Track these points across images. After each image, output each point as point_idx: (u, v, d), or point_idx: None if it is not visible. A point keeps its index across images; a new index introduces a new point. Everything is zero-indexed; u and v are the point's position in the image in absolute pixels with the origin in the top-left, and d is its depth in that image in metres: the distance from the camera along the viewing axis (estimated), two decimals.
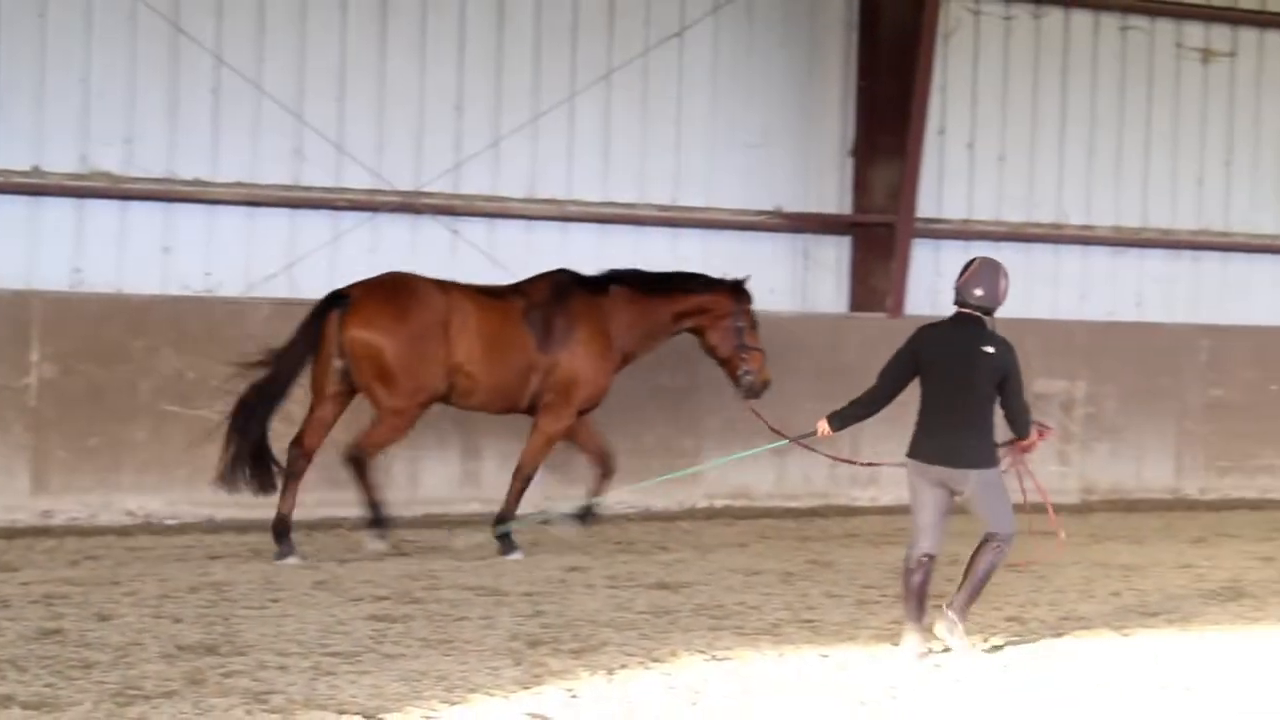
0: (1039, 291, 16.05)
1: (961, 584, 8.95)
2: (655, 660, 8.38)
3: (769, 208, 15.13)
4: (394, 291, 11.69)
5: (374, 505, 11.58)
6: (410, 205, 14.00)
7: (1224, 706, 8.05)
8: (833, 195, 15.36)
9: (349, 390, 11.52)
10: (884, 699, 7.91)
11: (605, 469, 12.23)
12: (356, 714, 7.07)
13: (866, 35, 15.14)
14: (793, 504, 14.31)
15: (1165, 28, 16.58)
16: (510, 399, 12.00)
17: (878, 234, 15.14)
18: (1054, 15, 16.09)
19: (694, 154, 14.90)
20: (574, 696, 7.58)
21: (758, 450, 11.32)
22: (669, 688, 7.85)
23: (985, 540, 8.87)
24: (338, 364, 11.38)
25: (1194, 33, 16.69)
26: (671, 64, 14.73)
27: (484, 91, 14.18)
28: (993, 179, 16.03)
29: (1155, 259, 16.72)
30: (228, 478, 11.29)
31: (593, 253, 14.41)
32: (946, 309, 15.40)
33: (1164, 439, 15.99)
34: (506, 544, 11.71)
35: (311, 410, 11.58)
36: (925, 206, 15.35)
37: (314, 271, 13.54)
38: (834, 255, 15.43)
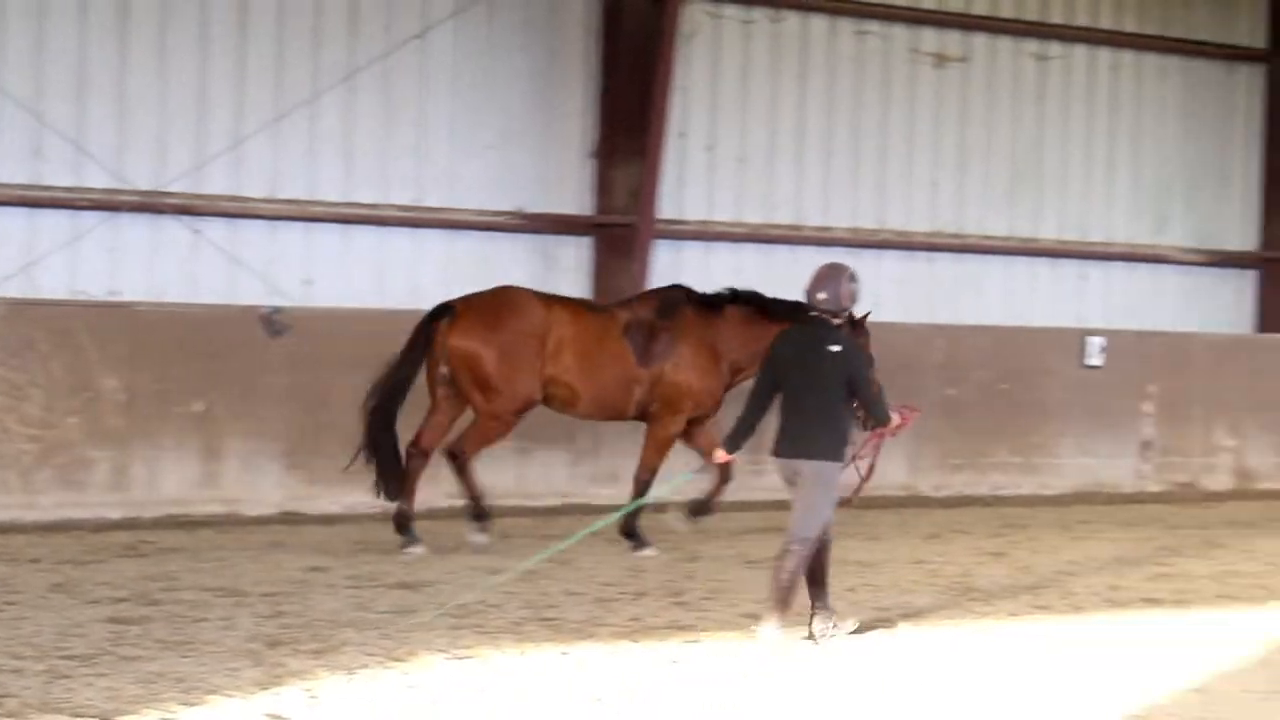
0: (778, 292, 16.50)
1: (811, 592, 9.54)
2: (396, 660, 8.55)
3: (511, 209, 15.41)
4: (494, 304, 12.64)
5: (474, 499, 12.50)
6: (151, 205, 14.05)
7: (929, 702, 8.39)
8: (574, 196, 15.69)
9: (458, 395, 12.50)
10: (621, 696, 8.13)
11: (722, 474, 12.76)
12: (93, 717, 7.15)
13: (607, 38, 15.48)
14: (533, 503, 14.52)
15: (900, 33, 17.20)
16: (613, 408, 12.89)
17: (619, 235, 15.51)
18: (792, 20, 16.60)
19: (437, 155, 15.15)
20: (313, 697, 7.72)
21: (674, 483, 11.61)
22: (409, 687, 8.02)
23: (780, 555, 9.40)
24: (443, 370, 12.38)
25: (928, 38, 17.36)
26: (414, 66, 14.96)
27: (226, 92, 14.32)
28: (732, 181, 16.47)
29: (891, 260, 17.30)
30: (383, 488, 12.29)
31: (335, 253, 14.65)
32: None
33: (903, 437, 16.38)
34: (637, 542, 12.61)
35: (428, 413, 12.56)
36: (666, 208, 15.75)
37: (53, 271, 13.62)
38: (575, 256, 15.76)
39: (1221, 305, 18.83)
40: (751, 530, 13.82)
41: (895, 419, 9.91)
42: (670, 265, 15.90)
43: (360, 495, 12.86)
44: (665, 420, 12.84)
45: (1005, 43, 17.73)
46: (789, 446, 9.41)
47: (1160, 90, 18.63)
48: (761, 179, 16.63)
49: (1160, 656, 9.52)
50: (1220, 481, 17.61)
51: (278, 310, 13.68)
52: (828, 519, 9.43)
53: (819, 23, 16.75)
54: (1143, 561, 12.89)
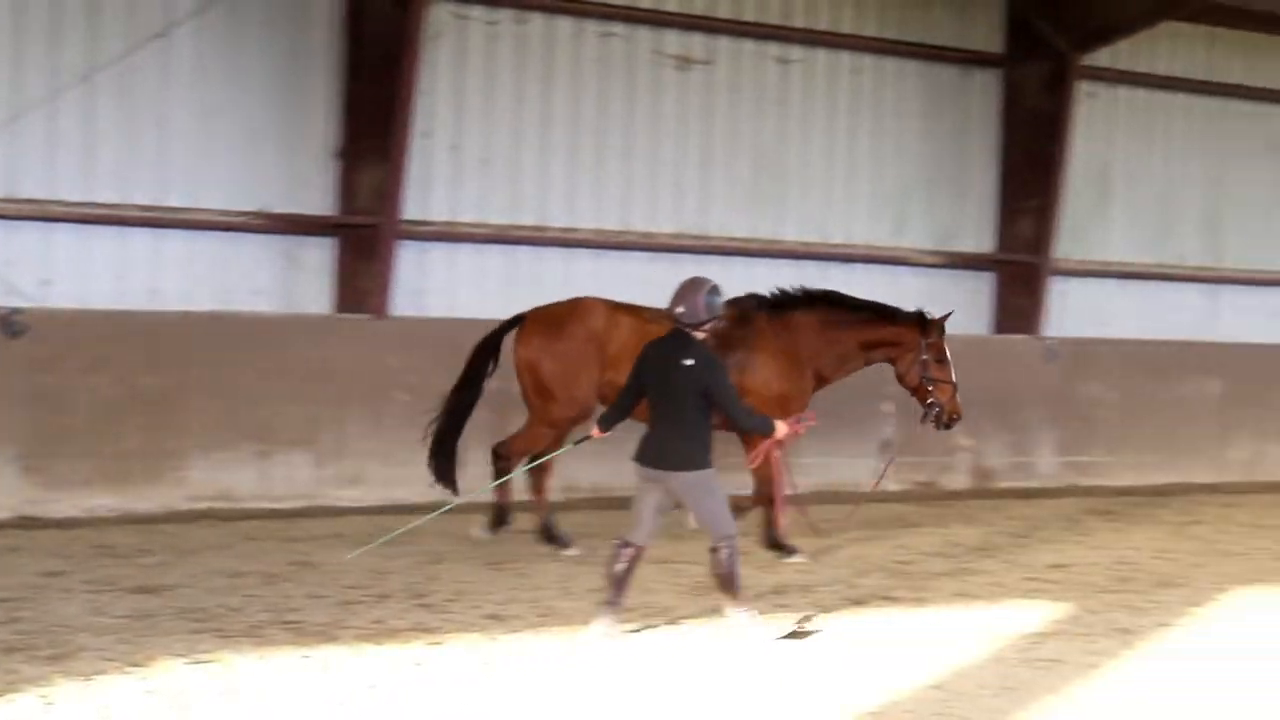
0: (521, 293, 16.73)
1: (725, 586, 10.12)
2: (134, 665, 8.73)
3: (254, 209, 15.54)
4: (559, 313, 13.52)
5: (501, 506, 13.53)
6: None
7: (675, 700, 8.80)
8: (318, 197, 15.84)
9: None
10: (364, 698, 8.41)
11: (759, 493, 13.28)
12: None
13: (351, 38, 15.65)
14: (277, 505, 14.71)
15: (645, 35, 17.53)
16: None
17: (363, 235, 15.71)
18: (537, 21, 16.88)
19: (179, 155, 15.24)
20: (49, 704, 7.89)
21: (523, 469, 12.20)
22: (148, 692, 8.21)
23: (711, 551, 10.05)
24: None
25: (672, 40, 17.72)
26: (155, 65, 15.03)
27: None
28: (477, 182, 16.70)
29: (636, 261, 17.63)
30: (442, 478, 13.21)
31: (74, 254, 14.71)
32: (431, 310, 16.42)
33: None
34: (785, 550, 13.19)
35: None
36: (410, 209, 16.00)
37: None
38: (319, 257, 15.91)
39: (958, 306, 19.26)
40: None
41: (782, 428, 10.51)
42: (415, 266, 16.23)
43: (101, 499, 12.97)
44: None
45: (748, 45, 18.17)
46: (653, 457, 10.01)
47: (900, 94, 19.23)
48: (506, 180, 16.91)
49: (899, 654, 10.00)
50: (958, 481, 18.38)
51: (17, 311, 13.74)
52: (727, 513, 10.10)
53: (564, 24, 17.05)
54: (882, 560, 13.44)
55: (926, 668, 9.69)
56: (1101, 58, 19.86)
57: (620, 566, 10.12)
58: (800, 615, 10.92)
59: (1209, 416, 19.86)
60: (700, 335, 10.17)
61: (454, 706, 8.42)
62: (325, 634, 9.83)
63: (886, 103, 19.20)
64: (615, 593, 10.13)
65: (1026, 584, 12.69)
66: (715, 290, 10.24)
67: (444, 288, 16.58)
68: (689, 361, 9.99)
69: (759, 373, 13.27)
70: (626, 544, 10.15)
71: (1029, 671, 9.75)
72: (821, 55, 18.69)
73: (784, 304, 13.57)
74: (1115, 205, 20.75)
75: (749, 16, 18.17)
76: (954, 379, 13.49)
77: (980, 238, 19.76)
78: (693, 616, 10.90)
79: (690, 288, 10.19)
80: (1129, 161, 20.82)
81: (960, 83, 19.55)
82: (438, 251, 16.50)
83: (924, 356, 13.41)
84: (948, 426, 13.64)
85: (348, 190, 15.78)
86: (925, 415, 13.55)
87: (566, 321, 13.44)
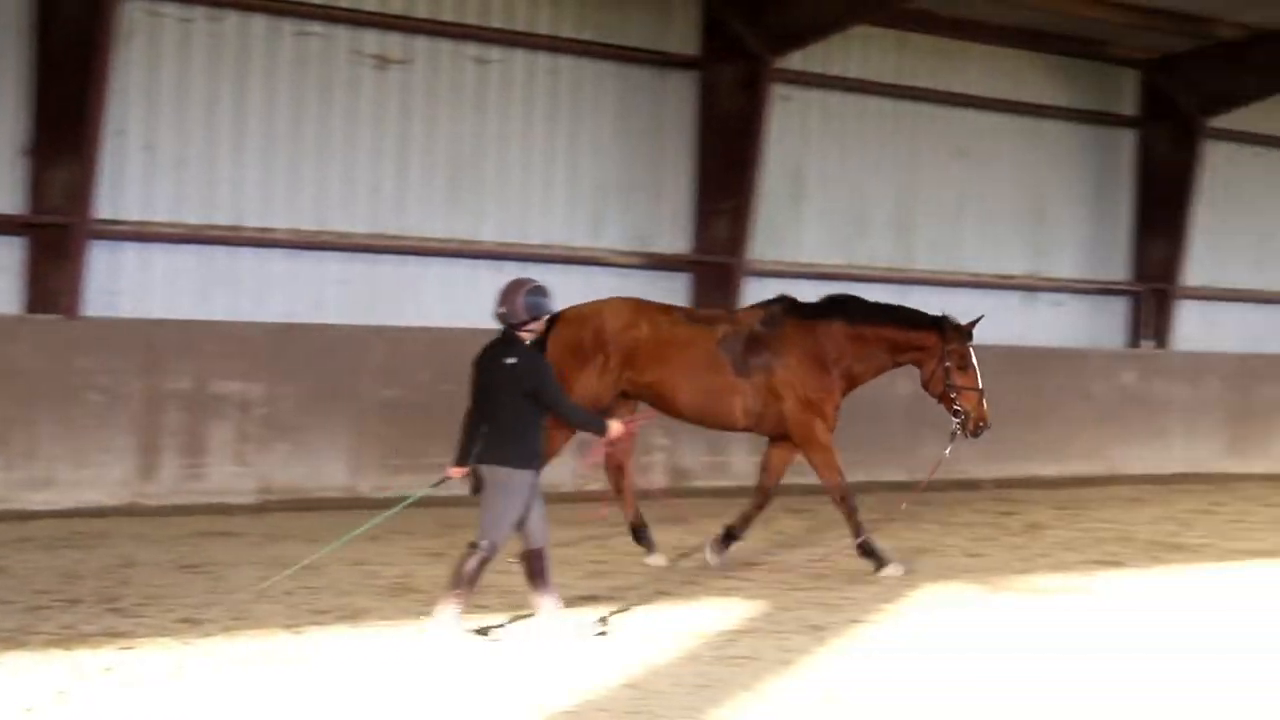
0: (217, 293, 17.12)
1: (454, 583, 10.45)
2: None
3: None
4: (576, 315, 13.98)
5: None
6: None
7: (369, 702, 9.04)
8: (6, 196, 15.88)
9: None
10: (52, 703, 8.51)
11: (759, 503, 13.87)
12: None
13: (41, 34, 15.70)
14: None
15: (342, 34, 17.84)
16: (717, 417, 13.95)
17: (53, 235, 15.77)
18: (232, 19, 17.10)
19: None
20: None
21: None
22: None
23: (469, 546, 10.50)
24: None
25: (370, 40, 18.05)
26: None
27: None
28: (171, 181, 16.85)
29: (333, 262, 17.95)
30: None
31: None
32: (124, 311, 16.54)
33: (341, 439, 17.04)
34: (877, 561, 13.64)
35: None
36: (102, 208, 16.12)
37: None
38: (7, 257, 15.96)
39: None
40: (191, 534, 14.42)
41: (616, 428, 11.00)
42: (107, 266, 16.38)
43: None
44: (806, 436, 13.77)
45: (446, 45, 18.56)
46: (482, 453, 10.52)
47: (597, 95, 19.77)
48: (201, 180, 17.09)
49: (595, 653, 10.34)
50: (654, 480, 18.69)
51: None
52: (510, 526, 10.49)
53: (260, 23, 17.29)
54: (581, 560, 13.83)
55: (622, 666, 10.02)
56: (796, 61, 20.67)
57: (467, 565, 10.50)
58: (510, 615, 11.33)
59: (899, 416, 20.51)
60: (525, 335, 10.65)
61: (145, 711, 8.54)
62: (13, 640, 9.89)
63: (584, 104, 19.74)
64: (459, 590, 10.49)
65: (722, 582, 13.17)
66: (537, 290, 10.66)
67: (137, 288, 16.70)
68: (510, 361, 10.50)
69: (787, 377, 13.70)
70: (471, 544, 10.59)
71: (723, 669, 10.12)
72: (519, 56, 19.18)
73: (810, 309, 13.98)
74: (809, 207, 21.66)
75: (447, 16, 18.54)
76: (980, 385, 13.72)
77: (676, 239, 20.40)
78: (392, 618, 11.17)
79: (511, 288, 10.65)
80: (822, 163, 21.74)
81: (656, 84, 20.18)
82: (130, 252, 16.62)
83: (946, 363, 13.64)
84: (975, 434, 13.83)
85: (38, 189, 15.83)
86: (954, 424, 13.79)
87: (580, 322, 14.00)
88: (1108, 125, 24.45)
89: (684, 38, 20.29)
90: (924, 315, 13.97)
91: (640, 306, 14.25)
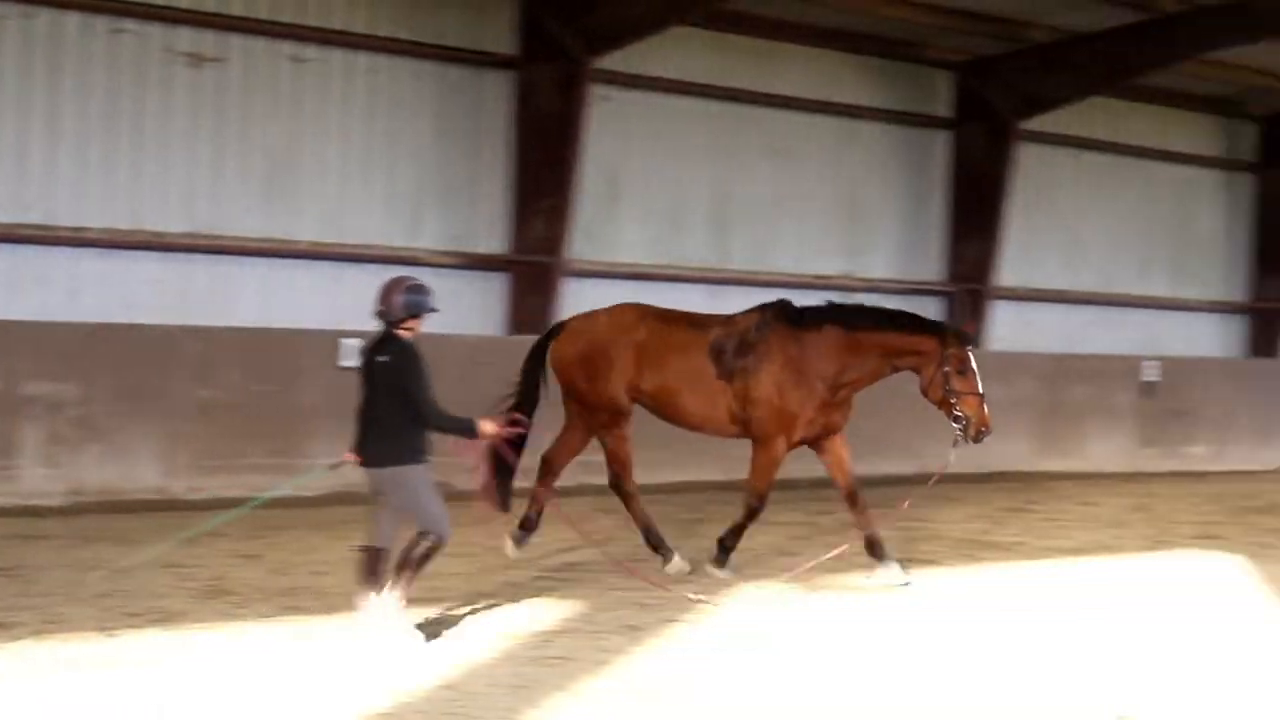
0: (28, 293, 17.14)
1: (398, 569, 10.76)
2: None
3: None
4: (587, 320, 14.38)
5: (534, 509, 14.29)
6: None
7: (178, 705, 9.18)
8: None
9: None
10: None
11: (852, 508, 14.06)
12: None
13: None
14: None
15: (156, 32, 17.92)
16: (706, 422, 14.10)
17: None
18: (45, 17, 17.15)
19: None
20: None
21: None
22: None
23: (419, 534, 10.78)
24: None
25: (185, 38, 18.15)
26: None
27: None
28: None
29: (148, 261, 18.00)
30: (496, 497, 13.22)
31: None
32: None
33: (153, 440, 17.13)
34: (722, 562, 13.91)
35: (561, 430, 14.52)
36: None
37: None
38: None
39: (474, 307, 20.18)
40: (0, 537, 14.52)
41: (487, 429, 11.16)
42: None
43: None
44: (760, 441, 13.90)
45: (262, 44, 18.70)
46: (366, 454, 10.82)
47: (415, 95, 19.99)
48: (12, 178, 17.14)
49: (411, 655, 10.57)
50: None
51: None
52: (440, 512, 10.79)
53: (73, 20, 17.35)
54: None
55: (439, 667, 10.25)
56: (614, 61, 21.00)
57: (419, 554, 10.86)
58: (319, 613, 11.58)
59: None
60: (404, 333, 10.91)
61: None
62: None
63: (401, 103, 19.95)
64: (367, 585, 10.87)
65: (539, 582, 13.45)
66: (415, 288, 10.96)
67: None
68: (384, 358, 10.81)
69: (763, 383, 13.80)
70: (364, 546, 10.95)
71: (539, 669, 10.38)
72: (336, 55, 19.37)
73: (803, 314, 14.01)
74: (626, 207, 22.05)
75: (262, 15, 18.69)
76: (979, 390, 13.63)
77: (494, 239, 20.67)
78: (206, 621, 11.31)
79: (389, 287, 10.94)
80: (640, 164, 22.13)
81: (474, 84, 20.45)
82: None
83: (945, 369, 13.57)
84: (977, 439, 13.78)
85: None
86: (955, 430, 13.72)
87: (581, 333, 14.30)
88: (922, 127, 25.11)
89: (502, 38, 20.54)
90: (923, 320, 14.00)
91: (642, 312, 14.44)
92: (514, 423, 11.92)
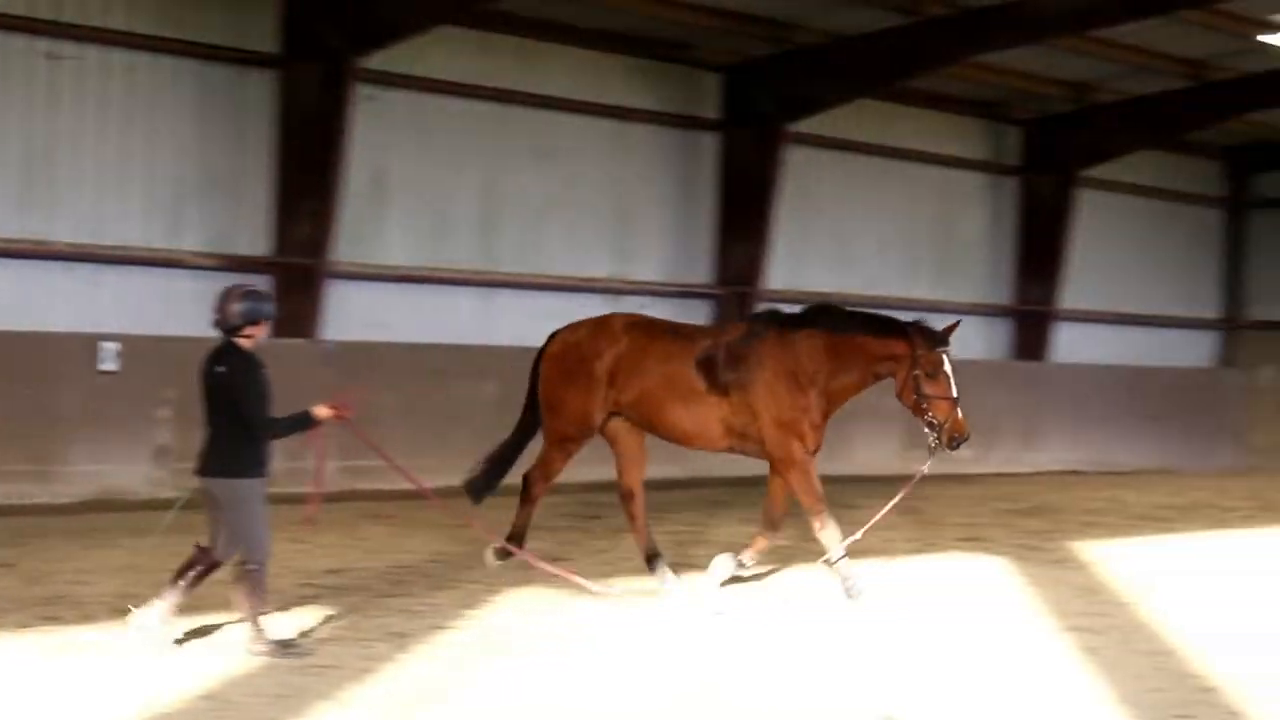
0: None
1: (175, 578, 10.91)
2: None
3: None
4: (572, 331, 14.29)
5: (517, 529, 14.30)
6: None
7: None
8: None
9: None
10: None
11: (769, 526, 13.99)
12: None
13: None
14: None
15: None
16: (697, 436, 13.86)
17: None
18: None
19: None
20: None
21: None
22: None
23: (240, 565, 10.83)
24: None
25: None
26: None
27: None
28: None
29: None
30: (471, 488, 14.18)
31: None
32: None
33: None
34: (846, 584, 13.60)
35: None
36: None
37: None
38: None
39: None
40: None
41: (323, 411, 11.18)
42: None
43: None
44: (780, 459, 13.64)
45: (17, 41, 18.62)
46: (200, 466, 10.84)
47: (176, 94, 20.00)
48: None
49: (170, 665, 10.49)
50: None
51: None
52: (262, 534, 10.85)
53: None
54: (156, 569, 13.26)
55: (200, 677, 10.21)
56: (379, 60, 21.16)
57: (251, 589, 10.93)
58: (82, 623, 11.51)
59: (484, 418, 20.61)
60: (245, 342, 10.92)
61: None
62: None
63: (162, 102, 19.94)
64: (257, 609, 10.93)
65: (303, 589, 13.48)
66: (250, 295, 10.98)
67: None
68: (221, 368, 10.82)
69: (759, 394, 13.55)
70: (204, 550, 11.00)
71: (303, 678, 10.40)
72: (93, 52, 19.30)
73: (788, 321, 13.80)
74: (392, 208, 22.23)
75: (18, 11, 18.59)
76: (953, 394, 13.31)
77: (257, 240, 20.73)
78: None
79: (225, 295, 10.95)
80: (406, 165, 22.32)
81: (237, 83, 20.52)
82: None
83: (916, 372, 13.26)
84: (952, 446, 13.48)
85: None
86: (929, 437, 13.48)
87: (566, 344, 14.29)
88: (691, 129, 25.57)
89: (265, 36, 20.63)
90: (895, 322, 13.70)
91: (627, 322, 14.32)
92: (349, 404, 11.67)
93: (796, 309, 14.27)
